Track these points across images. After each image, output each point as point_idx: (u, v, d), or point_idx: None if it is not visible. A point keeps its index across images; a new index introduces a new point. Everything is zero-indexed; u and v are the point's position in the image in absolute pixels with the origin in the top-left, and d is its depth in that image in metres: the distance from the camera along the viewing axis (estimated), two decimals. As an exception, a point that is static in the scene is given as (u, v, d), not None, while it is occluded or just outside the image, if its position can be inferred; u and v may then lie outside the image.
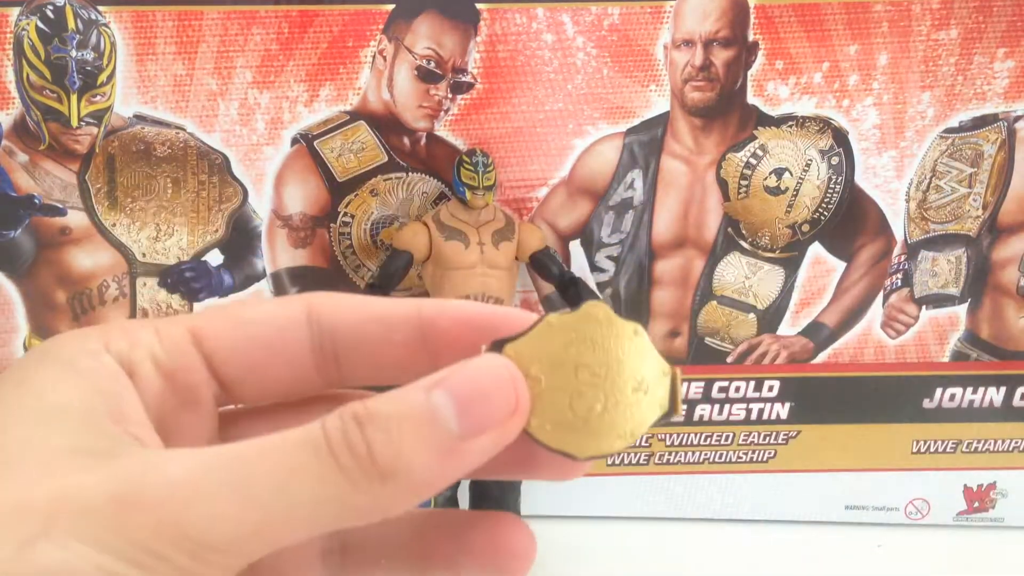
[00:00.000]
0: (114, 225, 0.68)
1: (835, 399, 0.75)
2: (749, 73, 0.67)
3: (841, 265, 0.72)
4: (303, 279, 0.70)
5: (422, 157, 0.68)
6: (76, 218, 0.67)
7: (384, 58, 0.66)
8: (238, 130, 0.66)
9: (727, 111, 0.68)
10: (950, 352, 0.74)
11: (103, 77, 0.64)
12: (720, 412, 0.75)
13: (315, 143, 0.67)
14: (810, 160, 0.70)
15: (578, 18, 0.65)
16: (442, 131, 0.67)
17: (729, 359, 0.74)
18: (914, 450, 0.76)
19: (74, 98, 0.64)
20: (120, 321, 0.22)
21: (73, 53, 0.63)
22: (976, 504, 0.77)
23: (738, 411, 0.75)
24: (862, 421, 0.75)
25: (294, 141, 0.67)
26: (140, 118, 0.66)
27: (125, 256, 0.69)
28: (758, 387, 0.75)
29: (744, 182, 0.70)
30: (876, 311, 0.73)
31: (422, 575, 0.24)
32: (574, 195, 0.70)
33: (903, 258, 0.73)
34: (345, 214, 0.69)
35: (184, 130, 0.66)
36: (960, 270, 0.73)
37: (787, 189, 0.70)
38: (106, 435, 0.19)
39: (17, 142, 0.65)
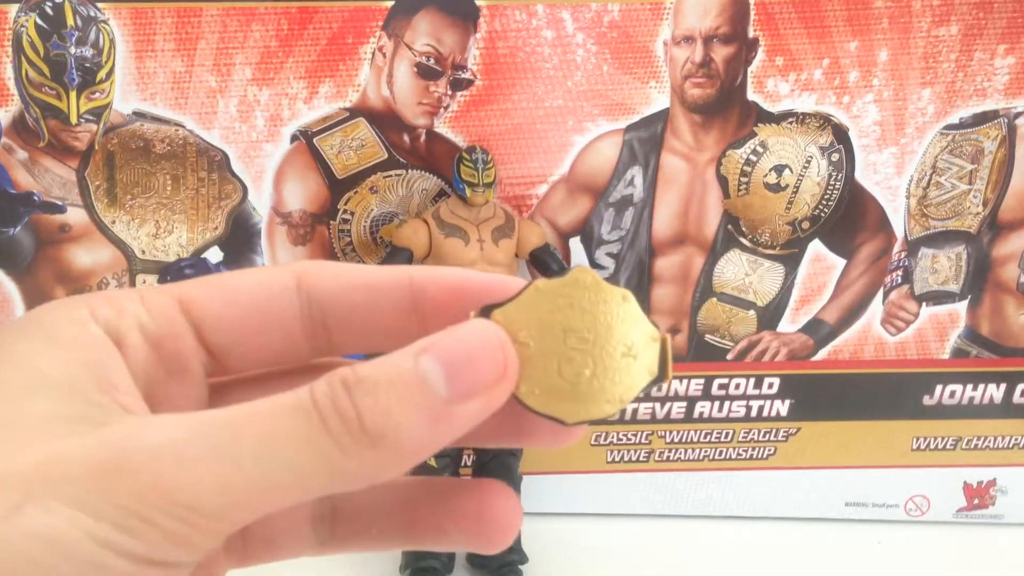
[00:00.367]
0: (113, 222, 0.68)
1: (835, 396, 0.75)
2: (749, 69, 0.67)
3: (841, 262, 0.72)
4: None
5: (422, 154, 0.68)
6: (75, 215, 0.67)
7: (384, 55, 0.65)
8: (237, 127, 0.66)
9: (727, 108, 0.68)
10: (950, 349, 0.74)
11: (102, 74, 0.64)
12: (720, 409, 0.75)
13: (315, 140, 0.67)
14: (810, 157, 0.70)
15: (578, 14, 0.65)
16: (442, 128, 0.67)
17: (729, 356, 0.74)
18: (914, 447, 0.76)
19: (73, 95, 0.64)
20: (107, 291, 0.22)
21: (72, 50, 0.63)
22: (976, 501, 0.77)
23: (738, 408, 0.75)
24: (862, 418, 0.75)
25: (294, 138, 0.67)
26: (139, 115, 0.66)
27: (125, 253, 0.68)
28: (758, 384, 0.75)
29: (744, 179, 0.70)
30: (876, 308, 0.73)
31: (411, 542, 0.24)
32: (574, 192, 0.70)
33: (903, 255, 0.73)
34: (345, 211, 0.69)
35: (183, 127, 0.66)
36: (960, 267, 0.73)
37: (787, 186, 0.70)
38: (93, 404, 0.19)
39: (16, 139, 0.65)
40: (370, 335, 0.23)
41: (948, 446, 0.76)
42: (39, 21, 0.63)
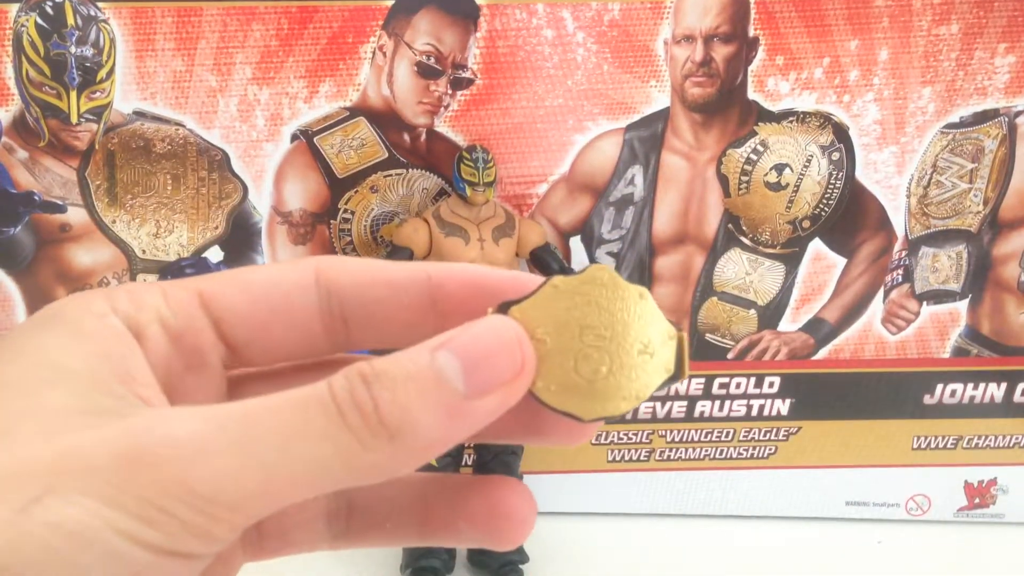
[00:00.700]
0: (114, 222, 0.68)
1: (836, 395, 0.75)
2: (749, 69, 0.67)
3: (842, 261, 0.72)
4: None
5: (422, 153, 0.68)
6: (76, 215, 0.67)
7: (384, 54, 0.65)
8: (238, 126, 0.66)
9: (727, 107, 0.68)
10: (951, 348, 0.74)
11: (102, 73, 0.64)
12: (721, 408, 0.75)
13: (315, 139, 0.67)
14: (811, 156, 0.70)
15: (578, 14, 0.65)
16: (442, 127, 0.67)
17: (730, 355, 0.74)
18: (915, 446, 0.76)
19: (73, 94, 0.64)
20: (127, 284, 0.22)
21: (72, 49, 0.63)
22: (977, 500, 0.77)
23: (739, 407, 0.75)
24: (863, 417, 0.75)
25: (294, 137, 0.67)
26: (140, 114, 0.66)
27: (125, 253, 0.68)
28: (759, 383, 0.75)
29: (745, 178, 0.70)
30: (877, 307, 0.73)
31: (424, 537, 0.24)
32: (574, 191, 0.70)
33: (904, 254, 0.73)
34: (345, 210, 0.69)
35: (184, 126, 0.66)
36: (961, 266, 0.73)
37: (788, 185, 0.70)
38: (112, 396, 0.19)
39: (17, 139, 0.65)
40: (388, 330, 0.23)
41: (949, 445, 0.76)
42: (39, 20, 0.63)
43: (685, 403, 0.75)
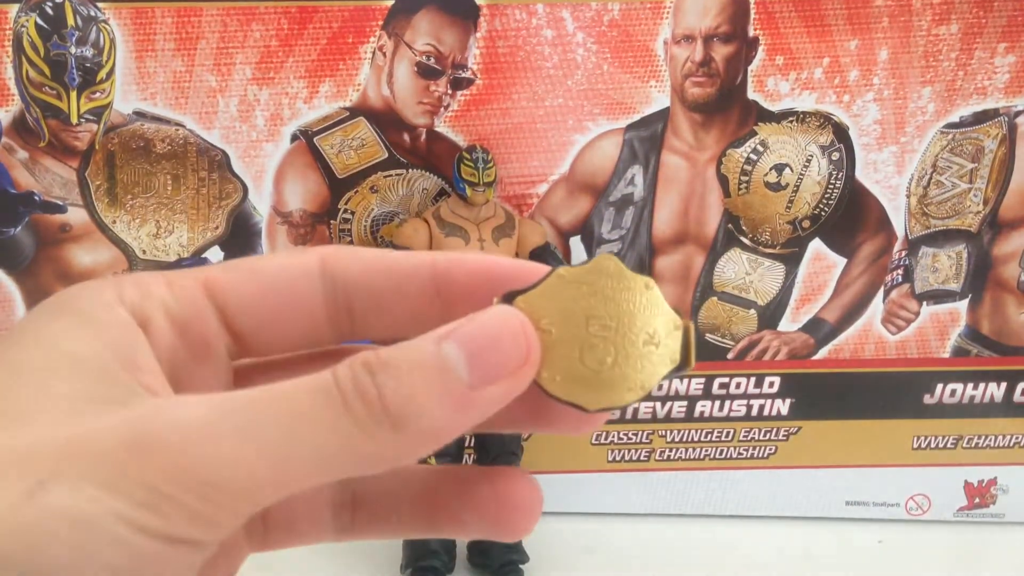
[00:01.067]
0: (114, 222, 0.68)
1: (836, 395, 0.75)
2: (749, 69, 0.67)
3: (842, 261, 0.72)
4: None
5: (422, 153, 0.68)
6: (76, 215, 0.67)
7: (384, 54, 0.65)
8: (238, 127, 0.66)
9: (727, 107, 0.68)
10: (951, 348, 0.74)
11: (102, 74, 0.64)
12: (721, 408, 0.75)
13: (315, 139, 0.67)
14: (811, 156, 0.70)
15: (578, 14, 0.65)
16: (442, 127, 0.67)
17: (730, 355, 0.74)
18: (915, 446, 0.76)
19: (73, 95, 0.64)
20: (134, 274, 0.22)
21: (72, 50, 0.63)
22: (977, 500, 0.77)
23: (739, 407, 0.75)
24: (863, 417, 0.75)
25: (294, 137, 0.67)
26: (140, 115, 0.66)
27: (125, 253, 0.69)
28: (759, 383, 0.75)
29: (744, 178, 0.70)
30: (877, 307, 0.73)
31: (430, 529, 0.24)
32: (574, 191, 0.70)
33: (904, 254, 0.73)
34: (345, 211, 0.69)
35: (184, 127, 0.66)
36: (961, 266, 0.73)
37: (788, 185, 0.70)
38: (118, 384, 0.20)
39: (17, 139, 0.65)
40: (394, 320, 0.23)
41: (949, 445, 0.76)
42: (39, 21, 0.63)
43: (685, 403, 0.75)
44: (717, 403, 0.75)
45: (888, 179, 0.70)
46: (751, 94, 0.68)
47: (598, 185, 0.70)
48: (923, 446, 0.76)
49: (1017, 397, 0.75)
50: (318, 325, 0.23)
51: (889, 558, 0.74)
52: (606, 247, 0.71)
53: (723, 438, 0.76)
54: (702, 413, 0.75)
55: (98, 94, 0.65)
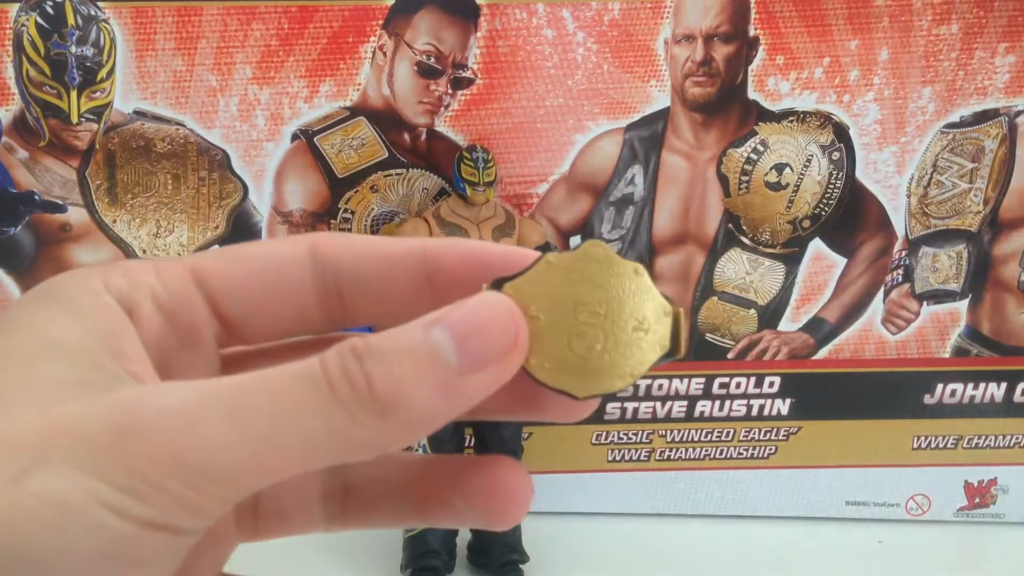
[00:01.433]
0: (114, 221, 0.68)
1: (836, 395, 0.75)
2: (750, 68, 0.67)
3: (842, 261, 0.72)
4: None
5: (422, 153, 0.68)
6: (76, 214, 0.67)
7: (384, 54, 0.66)
8: (238, 126, 0.66)
9: (728, 106, 0.68)
10: (951, 348, 0.74)
11: (103, 73, 0.64)
12: (721, 408, 0.75)
13: (315, 139, 0.67)
14: (811, 156, 0.70)
15: (578, 13, 0.65)
16: (442, 127, 0.67)
17: (730, 355, 0.74)
18: (915, 446, 0.76)
19: (74, 94, 0.64)
20: (122, 261, 0.22)
21: (73, 49, 0.63)
22: (977, 500, 0.77)
23: (739, 407, 0.75)
24: (863, 417, 0.75)
25: (294, 137, 0.67)
26: (140, 114, 0.66)
27: (126, 252, 0.69)
28: (759, 383, 0.75)
29: (745, 178, 0.70)
30: (877, 307, 0.73)
31: (421, 518, 0.24)
32: (574, 191, 0.70)
33: (904, 254, 0.73)
34: (345, 210, 0.69)
35: (184, 126, 0.66)
36: (961, 266, 0.73)
37: (788, 185, 0.70)
38: (104, 371, 0.19)
39: (17, 138, 0.65)
40: (384, 305, 0.23)
41: (949, 445, 0.76)
42: (40, 20, 0.63)
43: (685, 403, 0.75)
44: (717, 403, 0.75)
45: (888, 179, 0.70)
46: (751, 94, 0.68)
47: (598, 185, 0.70)
48: (923, 446, 0.76)
49: (1017, 397, 0.75)
50: (308, 311, 0.23)
51: (889, 558, 0.74)
52: (606, 247, 0.71)
53: (723, 438, 0.76)
54: (702, 413, 0.75)
55: (98, 93, 0.65)
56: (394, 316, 0.22)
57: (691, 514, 0.77)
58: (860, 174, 0.70)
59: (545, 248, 0.68)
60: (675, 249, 0.72)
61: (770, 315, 0.73)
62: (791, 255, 0.72)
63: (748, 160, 0.70)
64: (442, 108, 0.67)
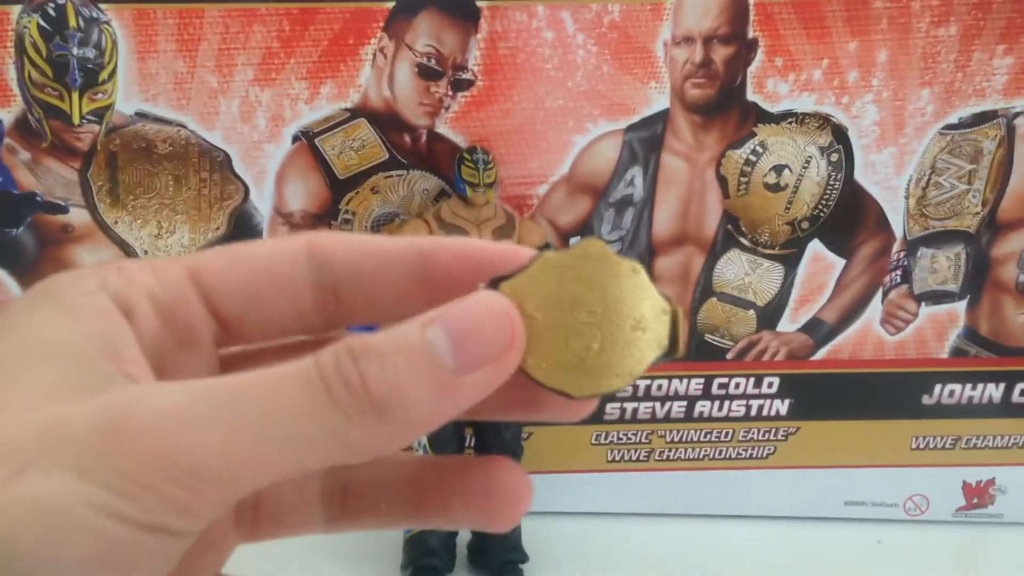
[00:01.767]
0: (116, 223, 0.68)
1: (834, 395, 0.75)
2: (749, 70, 0.67)
3: (840, 262, 0.73)
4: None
5: (423, 154, 0.68)
6: (78, 216, 0.67)
7: (385, 55, 0.66)
8: (239, 127, 0.66)
9: (727, 108, 0.68)
10: (949, 348, 0.75)
11: (104, 75, 0.64)
12: (720, 409, 0.75)
13: (316, 140, 0.67)
14: (810, 157, 0.70)
15: (578, 15, 0.65)
16: (443, 128, 0.68)
17: (729, 356, 0.74)
18: (913, 446, 0.76)
19: (75, 96, 0.65)
20: (119, 261, 0.21)
21: (74, 51, 0.64)
22: (975, 500, 0.77)
23: (738, 408, 0.75)
24: (861, 417, 0.76)
25: (295, 138, 0.67)
26: (141, 115, 0.66)
27: (127, 253, 0.69)
28: (758, 384, 0.75)
29: (744, 179, 0.70)
30: (875, 308, 0.74)
31: (419, 519, 0.24)
32: (574, 192, 0.70)
33: (902, 255, 0.73)
34: (346, 211, 0.69)
35: (185, 127, 0.66)
36: (959, 266, 0.73)
37: (787, 186, 0.70)
38: (98, 372, 0.19)
39: (19, 140, 0.66)
40: (380, 304, 0.23)
41: (947, 445, 0.76)
42: (41, 22, 0.63)
43: (684, 403, 0.75)
44: (716, 403, 0.75)
45: (887, 180, 0.71)
46: (750, 95, 0.68)
47: (598, 186, 0.70)
48: (922, 446, 0.76)
49: (1015, 398, 0.75)
50: (305, 310, 0.23)
51: (887, 558, 0.74)
52: (606, 248, 0.71)
53: (722, 438, 0.76)
54: (701, 413, 0.75)
55: (100, 95, 0.65)
56: (391, 315, 0.22)
57: (690, 514, 0.77)
58: (859, 175, 0.70)
59: (545, 249, 0.68)
60: (674, 250, 0.72)
61: (769, 316, 0.74)
62: (790, 256, 0.72)
63: (747, 161, 0.70)
64: (442, 110, 0.67)
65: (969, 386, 0.75)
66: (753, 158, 0.70)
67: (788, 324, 0.74)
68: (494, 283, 0.21)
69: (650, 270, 0.72)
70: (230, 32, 0.64)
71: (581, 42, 0.66)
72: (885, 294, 0.73)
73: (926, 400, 0.75)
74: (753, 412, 0.75)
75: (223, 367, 0.23)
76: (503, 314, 0.20)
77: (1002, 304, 0.74)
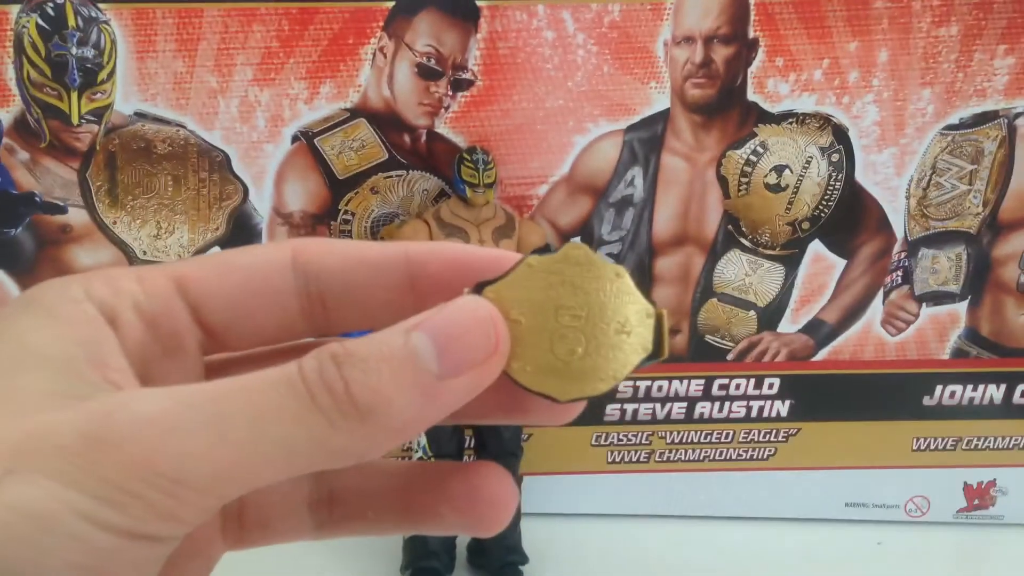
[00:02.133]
0: (115, 223, 0.68)
1: (835, 396, 0.75)
2: (749, 70, 0.67)
3: (841, 262, 0.72)
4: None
5: (423, 154, 0.68)
6: (77, 216, 0.67)
7: (384, 55, 0.66)
8: (238, 127, 0.66)
9: (727, 108, 0.68)
10: (950, 349, 0.75)
11: (103, 74, 0.64)
12: (720, 410, 0.75)
13: (316, 140, 0.67)
14: (810, 157, 0.70)
15: (578, 15, 0.65)
16: (442, 128, 0.68)
17: (729, 357, 0.74)
18: (914, 447, 0.76)
19: (74, 96, 0.64)
20: (105, 269, 0.21)
21: (73, 51, 0.63)
22: (976, 501, 0.77)
23: (738, 409, 0.75)
24: (862, 418, 0.75)
25: (294, 139, 0.67)
26: (140, 115, 0.66)
27: (126, 254, 0.69)
28: (758, 385, 0.75)
29: (744, 179, 0.70)
30: (876, 308, 0.73)
31: (408, 525, 0.24)
32: (574, 192, 0.70)
33: (903, 255, 0.73)
34: (346, 212, 0.69)
35: (184, 127, 0.66)
36: (960, 267, 0.73)
37: (787, 186, 0.70)
38: (82, 380, 0.19)
39: (18, 140, 0.65)
40: (367, 311, 0.23)
41: (948, 446, 0.76)
42: (40, 22, 0.63)
43: (685, 404, 0.75)
44: (717, 404, 0.75)
45: (888, 180, 0.71)
46: (751, 95, 0.68)
47: (598, 186, 0.70)
48: (922, 447, 0.76)
49: (1016, 399, 0.75)
50: (292, 318, 0.23)
51: (888, 560, 0.74)
52: (606, 248, 0.71)
53: (723, 439, 0.76)
54: (702, 414, 0.75)
55: (99, 95, 0.65)
56: (379, 321, 0.22)
57: (691, 515, 0.77)
58: (859, 176, 0.70)
59: (545, 250, 0.68)
60: (675, 250, 0.72)
61: (770, 316, 0.73)
62: (791, 256, 0.72)
63: (748, 162, 0.70)
64: (442, 110, 0.67)
65: (970, 387, 0.75)
66: (754, 158, 0.70)
67: (789, 325, 0.74)
68: (478, 288, 0.21)
69: (650, 270, 0.72)
70: (229, 32, 0.64)
71: (581, 42, 0.66)
72: (886, 295, 0.73)
73: (927, 401, 0.75)
74: (754, 413, 0.75)
75: (209, 374, 0.23)
76: (487, 319, 0.20)
77: (1003, 305, 0.74)
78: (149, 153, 0.67)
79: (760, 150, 0.69)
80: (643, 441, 0.76)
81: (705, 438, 0.76)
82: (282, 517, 0.24)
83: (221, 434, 0.18)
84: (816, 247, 0.72)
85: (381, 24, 0.65)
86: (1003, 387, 0.75)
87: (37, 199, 0.67)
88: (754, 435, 0.76)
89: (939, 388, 0.75)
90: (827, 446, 0.76)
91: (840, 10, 0.66)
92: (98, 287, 0.21)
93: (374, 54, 0.65)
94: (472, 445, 0.70)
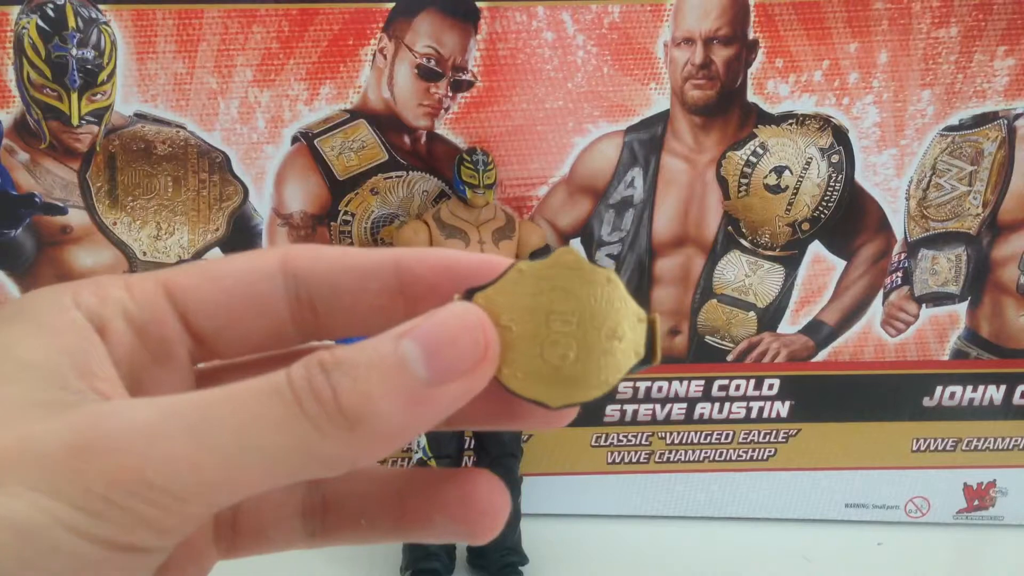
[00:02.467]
0: (115, 224, 0.68)
1: (835, 397, 0.75)
2: (749, 71, 0.67)
3: (841, 263, 0.72)
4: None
5: (422, 155, 0.68)
6: (77, 217, 0.67)
7: (384, 56, 0.66)
8: (238, 128, 0.66)
9: (727, 109, 0.68)
10: (950, 350, 0.75)
11: (103, 76, 0.64)
12: (720, 410, 0.75)
13: (315, 141, 0.67)
14: (810, 158, 0.70)
15: (578, 16, 0.65)
16: (442, 129, 0.68)
17: (729, 357, 0.74)
18: (914, 448, 0.76)
19: (74, 97, 0.64)
20: (94, 277, 0.21)
21: (73, 52, 0.63)
22: (976, 502, 0.77)
23: (738, 409, 0.75)
24: (862, 419, 0.75)
25: (294, 139, 0.67)
26: (141, 116, 0.66)
27: (126, 254, 0.69)
28: (758, 385, 0.75)
29: (744, 180, 0.70)
30: (876, 309, 0.73)
31: (400, 533, 0.24)
32: (574, 193, 0.70)
33: (903, 256, 0.73)
34: (345, 212, 0.69)
35: (184, 128, 0.66)
36: (960, 268, 0.73)
37: (787, 187, 0.70)
38: (70, 389, 0.19)
39: (18, 141, 0.65)
40: (357, 317, 0.23)
41: (948, 447, 0.76)
42: (40, 23, 0.63)
43: (685, 405, 0.75)
44: (717, 405, 0.75)
45: (887, 181, 0.71)
46: (751, 96, 0.68)
47: (598, 187, 0.70)
48: (922, 448, 0.76)
49: (1016, 400, 0.75)
50: (282, 325, 0.23)
51: (888, 560, 0.74)
52: (606, 249, 0.71)
53: (723, 440, 0.76)
54: (702, 415, 0.75)
55: (99, 96, 0.65)
56: (370, 327, 0.22)
57: (690, 516, 0.77)
58: (859, 177, 0.70)
59: (544, 250, 0.68)
60: (675, 251, 0.72)
61: (770, 317, 0.73)
62: (790, 257, 0.72)
63: (747, 163, 0.70)
64: (442, 111, 0.67)
65: (970, 388, 0.75)
66: (753, 159, 0.70)
67: (789, 326, 0.74)
68: (468, 294, 0.20)
69: (650, 271, 0.72)
70: (229, 33, 0.64)
71: (581, 43, 0.66)
72: (886, 296, 0.73)
73: (927, 402, 0.75)
74: (754, 414, 0.75)
75: (200, 382, 0.23)
76: (476, 325, 0.19)
77: (1003, 306, 0.74)
78: (149, 154, 0.67)
79: (760, 151, 0.69)
80: (643, 442, 0.76)
81: (705, 439, 0.76)
82: (275, 525, 0.24)
83: (208, 443, 0.18)
84: (816, 248, 0.72)
85: (381, 25, 0.65)
86: (1003, 388, 0.75)
87: (37, 200, 0.67)
88: (754, 436, 0.76)
89: (939, 389, 0.75)
90: (827, 447, 0.76)
91: (840, 11, 0.66)
92: (86, 295, 0.21)
93: (374, 55, 0.65)
94: (472, 446, 0.70)
